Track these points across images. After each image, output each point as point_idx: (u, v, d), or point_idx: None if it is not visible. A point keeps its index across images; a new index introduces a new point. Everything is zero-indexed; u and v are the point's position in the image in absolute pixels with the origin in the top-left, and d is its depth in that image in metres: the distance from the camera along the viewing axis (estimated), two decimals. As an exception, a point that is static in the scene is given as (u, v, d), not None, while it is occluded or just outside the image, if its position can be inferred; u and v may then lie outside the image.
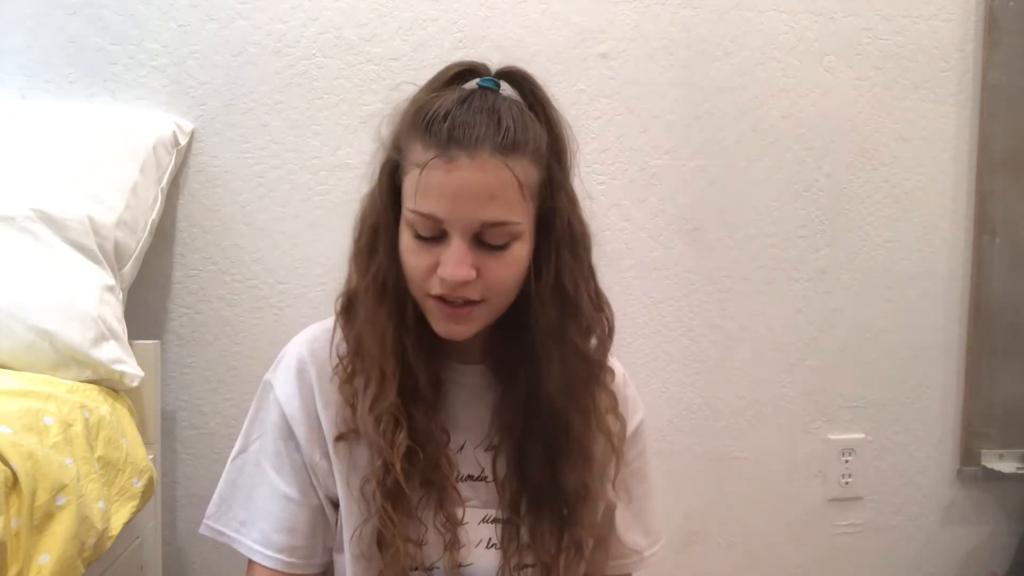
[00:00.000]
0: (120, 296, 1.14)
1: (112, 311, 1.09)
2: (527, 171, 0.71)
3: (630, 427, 0.85)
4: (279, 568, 0.78)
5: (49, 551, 0.75)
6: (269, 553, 0.77)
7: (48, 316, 1.01)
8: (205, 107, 1.31)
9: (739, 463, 1.51)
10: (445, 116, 0.69)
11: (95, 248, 1.09)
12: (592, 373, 0.78)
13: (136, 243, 1.18)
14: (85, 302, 1.05)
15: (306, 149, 1.33)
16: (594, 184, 1.39)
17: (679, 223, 1.45)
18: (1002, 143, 1.52)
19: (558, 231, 0.75)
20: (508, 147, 0.69)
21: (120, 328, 1.10)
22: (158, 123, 1.25)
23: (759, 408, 1.51)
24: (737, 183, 1.47)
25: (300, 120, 1.33)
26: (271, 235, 1.33)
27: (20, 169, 1.11)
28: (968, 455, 1.57)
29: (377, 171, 0.77)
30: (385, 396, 0.74)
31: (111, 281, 1.11)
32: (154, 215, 1.22)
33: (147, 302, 1.31)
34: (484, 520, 0.79)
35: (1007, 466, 1.55)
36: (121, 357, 1.07)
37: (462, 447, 0.80)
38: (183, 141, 1.27)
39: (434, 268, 0.71)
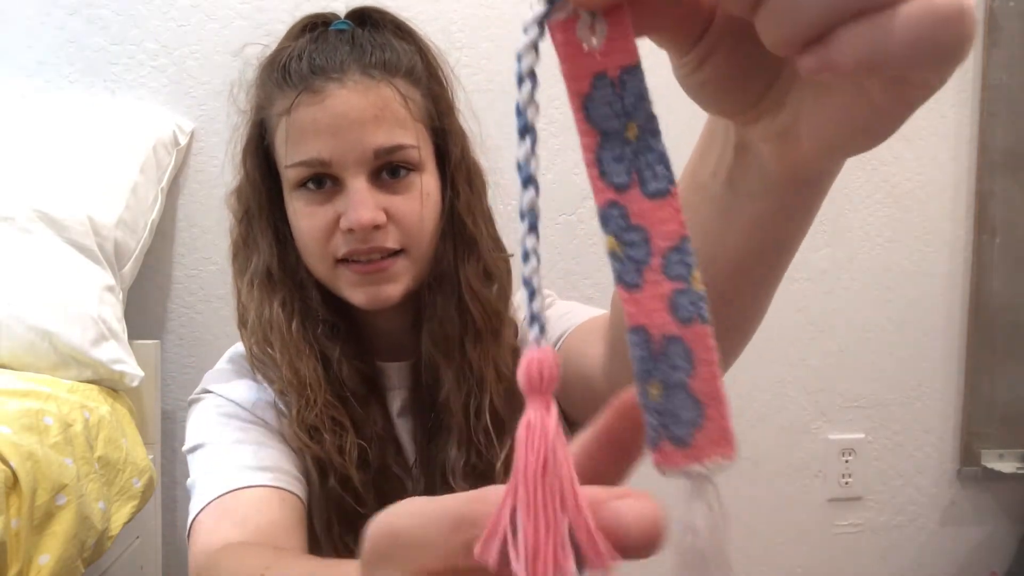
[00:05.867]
0: (120, 296, 1.14)
1: (112, 311, 1.09)
2: (408, 90, 0.63)
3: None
4: (266, 483, 0.60)
5: (49, 551, 0.75)
6: (252, 475, 0.61)
7: (48, 316, 1.01)
8: (205, 107, 1.31)
9: (739, 463, 1.49)
10: (300, 55, 0.63)
11: (95, 248, 1.09)
12: (489, 325, 0.66)
13: (136, 243, 1.18)
14: (85, 302, 1.05)
15: (306, 149, 1.33)
16: (594, 184, 1.38)
17: (679, 223, 1.45)
18: (1002, 143, 1.52)
19: (454, 159, 0.66)
20: (379, 66, 0.61)
21: (120, 328, 1.10)
22: (158, 123, 1.25)
23: (759, 408, 1.51)
24: (737, 183, 1.47)
25: (300, 120, 1.33)
26: (271, 235, 1.33)
27: (20, 169, 1.12)
28: (968, 455, 1.57)
29: (241, 148, 0.68)
30: (312, 400, 0.62)
31: (111, 281, 1.11)
32: (154, 215, 1.22)
33: (147, 302, 1.31)
34: None
35: (1007, 466, 1.54)
36: (121, 357, 1.07)
37: (410, 462, 0.69)
38: (183, 141, 1.27)
39: (334, 225, 0.62)
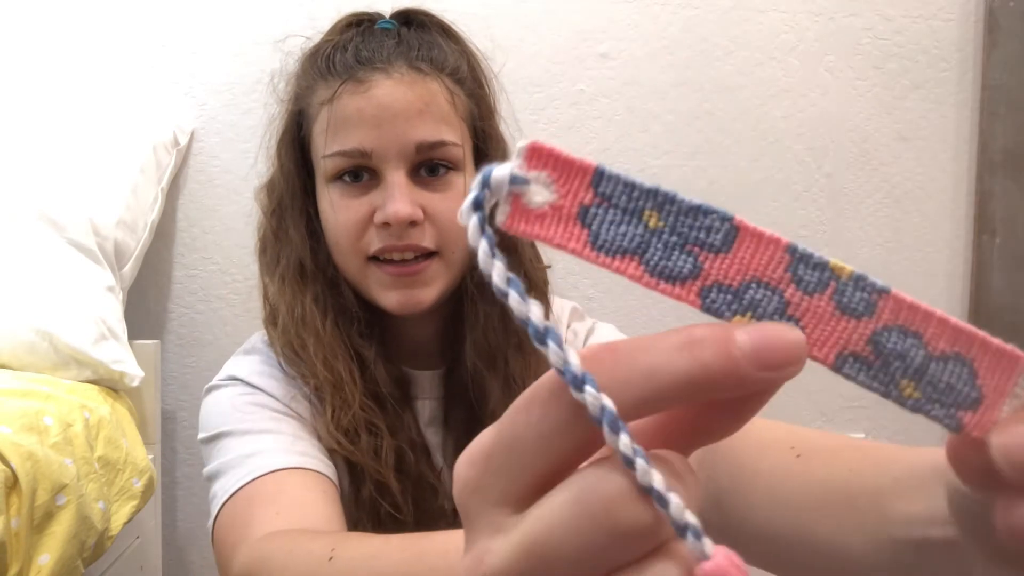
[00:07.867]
0: (120, 296, 1.14)
1: (112, 311, 1.09)
2: (454, 87, 0.62)
3: None
4: (305, 466, 0.57)
5: (49, 551, 0.75)
6: (288, 458, 0.58)
7: (48, 316, 1.01)
8: (205, 107, 1.31)
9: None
10: (345, 47, 0.61)
11: (95, 248, 1.09)
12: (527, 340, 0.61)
13: (136, 243, 1.18)
14: (85, 302, 1.05)
15: (306, 149, 1.33)
16: (594, 184, 1.38)
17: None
18: (1002, 143, 1.52)
19: (495, 161, 0.64)
20: (425, 61, 0.61)
21: (120, 328, 1.09)
22: (157, 123, 1.25)
23: (759, 408, 1.51)
24: (737, 183, 1.47)
25: (300, 120, 1.33)
26: (271, 235, 1.33)
27: (21, 170, 1.12)
28: (968, 455, 1.56)
29: (276, 139, 0.67)
30: (348, 401, 0.60)
31: (111, 281, 1.11)
32: (154, 215, 1.22)
33: (147, 302, 1.31)
34: None
35: (1007, 466, 1.54)
36: (121, 357, 1.07)
37: (439, 472, 0.67)
38: (183, 141, 1.27)
39: (368, 219, 0.60)
